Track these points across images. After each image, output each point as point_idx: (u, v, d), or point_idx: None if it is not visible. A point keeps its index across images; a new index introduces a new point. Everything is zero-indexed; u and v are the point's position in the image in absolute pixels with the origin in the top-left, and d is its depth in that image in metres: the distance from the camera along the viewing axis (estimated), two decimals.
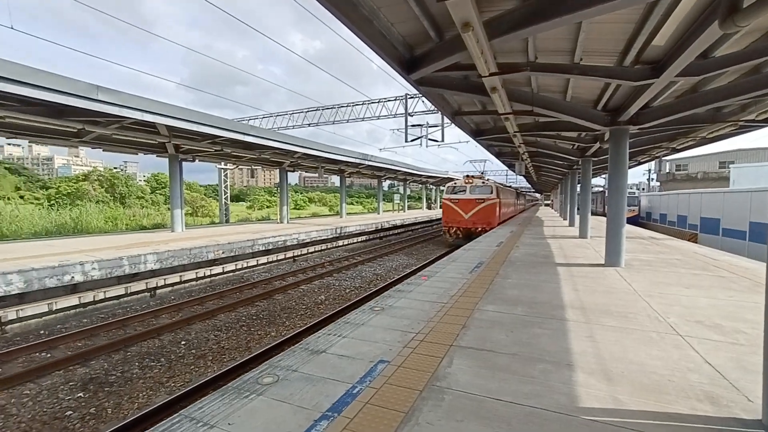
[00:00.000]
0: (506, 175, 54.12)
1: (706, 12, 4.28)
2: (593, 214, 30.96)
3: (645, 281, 6.45)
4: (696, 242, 17.39)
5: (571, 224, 18.35)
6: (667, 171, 44.29)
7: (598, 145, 11.75)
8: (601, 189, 38.84)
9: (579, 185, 15.78)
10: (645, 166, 47.66)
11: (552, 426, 2.35)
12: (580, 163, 15.06)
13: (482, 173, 25.96)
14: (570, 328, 4.10)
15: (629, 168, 21.24)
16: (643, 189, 52.66)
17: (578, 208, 15.52)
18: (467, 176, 20.31)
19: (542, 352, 3.47)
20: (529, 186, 54.78)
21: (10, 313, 7.59)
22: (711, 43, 4.87)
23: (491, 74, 5.73)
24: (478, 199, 18.92)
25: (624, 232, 7.84)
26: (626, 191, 8.15)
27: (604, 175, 33.01)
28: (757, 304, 4.93)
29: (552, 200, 54.89)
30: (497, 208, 19.35)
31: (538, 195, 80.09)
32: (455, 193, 19.80)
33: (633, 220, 30.38)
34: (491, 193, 19.14)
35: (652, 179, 47.72)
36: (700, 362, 3.27)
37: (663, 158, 28.50)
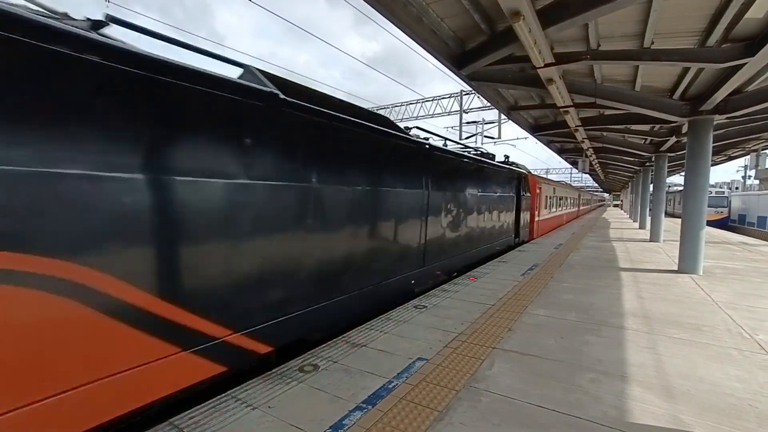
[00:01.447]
0: (570, 173, 50.81)
1: None
2: (672, 216, 27.89)
3: (728, 291, 5.68)
4: None
5: (642, 226, 16.65)
6: None
7: (674, 138, 10.52)
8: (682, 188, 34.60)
9: (652, 184, 14.31)
10: (739, 162, 41.65)
11: None
12: (653, 159, 13.64)
13: None
14: (628, 338, 3.74)
15: (716, 164, 18.80)
16: (737, 188, 46.15)
17: (650, 209, 14.08)
18: None
19: (593, 360, 3.22)
20: (596, 185, 50.92)
21: None
22: None
23: (546, 65, 5.43)
24: None
25: (702, 235, 6.96)
26: (707, 189, 7.22)
27: (683, 173, 29.31)
28: None
29: (621, 200, 50.47)
30: None
31: (606, 195, 74.93)
32: None
33: (721, 223, 26.87)
34: None
35: (750, 177, 41.34)
36: None
37: (763, 152, 24.63)
